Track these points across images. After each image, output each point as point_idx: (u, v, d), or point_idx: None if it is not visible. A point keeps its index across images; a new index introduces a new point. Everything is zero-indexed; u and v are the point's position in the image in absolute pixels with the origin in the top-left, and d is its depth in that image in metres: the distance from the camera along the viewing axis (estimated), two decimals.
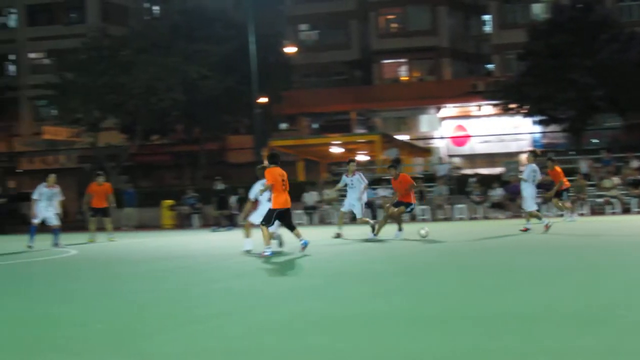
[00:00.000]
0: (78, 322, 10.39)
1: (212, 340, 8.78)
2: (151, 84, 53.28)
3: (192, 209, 45.13)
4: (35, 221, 27.40)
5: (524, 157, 39.95)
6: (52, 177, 28.02)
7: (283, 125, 70.90)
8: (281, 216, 19.37)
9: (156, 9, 76.31)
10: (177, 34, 57.72)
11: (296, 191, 39.21)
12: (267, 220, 19.10)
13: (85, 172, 67.01)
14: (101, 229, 31.62)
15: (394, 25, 71.58)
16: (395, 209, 23.92)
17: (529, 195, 25.94)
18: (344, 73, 73.34)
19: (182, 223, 45.62)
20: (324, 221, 42.71)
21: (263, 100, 54.33)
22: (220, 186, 40.89)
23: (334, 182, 45.67)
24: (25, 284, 15.72)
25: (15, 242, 30.80)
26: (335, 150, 54.95)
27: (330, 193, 39.82)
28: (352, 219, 27.44)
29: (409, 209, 24.75)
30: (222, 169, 60.37)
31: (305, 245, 19.63)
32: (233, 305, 11.38)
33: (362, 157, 55.85)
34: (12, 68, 77.13)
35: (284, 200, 19.11)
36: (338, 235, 25.67)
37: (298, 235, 19.79)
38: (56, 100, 60.17)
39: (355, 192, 25.45)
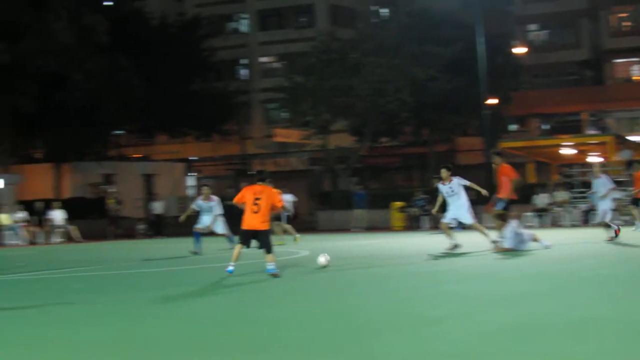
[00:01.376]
0: (305, 321, 10.47)
1: (441, 342, 8.65)
2: (380, 86, 53.58)
3: (422, 210, 45.05)
4: (199, 226, 26.22)
5: None
6: (205, 190, 26.67)
7: (513, 127, 69.91)
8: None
9: (384, 11, 76.75)
10: (405, 35, 57.80)
11: (526, 193, 38.47)
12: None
13: (316, 174, 68.17)
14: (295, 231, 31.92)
15: (627, 23, 69.29)
16: None
17: None
18: (574, 73, 71.64)
19: (412, 225, 45.55)
20: (555, 223, 41.72)
21: (492, 101, 53.68)
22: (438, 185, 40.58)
23: (564, 184, 44.60)
24: (247, 285, 16.05)
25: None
26: (566, 151, 53.69)
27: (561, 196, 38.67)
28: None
29: None
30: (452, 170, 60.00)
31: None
32: (462, 307, 11.21)
33: (594, 159, 54.31)
34: (244, 72, 79.42)
35: None
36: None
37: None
38: (286, 103, 61.46)
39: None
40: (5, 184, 47.91)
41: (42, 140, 60.67)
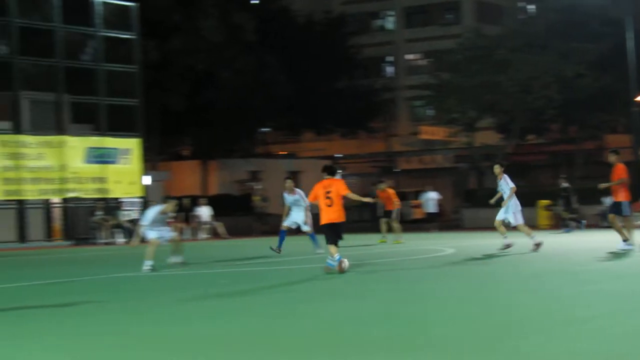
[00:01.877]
0: (451, 320, 10.40)
1: (592, 342, 8.47)
2: (527, 82, 52.88)
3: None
4: (285, 224, 25.24)
5: None
6: (288, 183, 25.14)
7: None
8: None
9: (531, 7, 75.58)
10: (553, 32, 56.82)
11: None
12: None
13: (461, 172, 67.66)
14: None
15: None
16: None
17: None
18: None
19: (558, 223, 44.69)
20: None
21: None
22: (564, 185, 39.79)
23: None
24: (393, 284, 16.04)
25: (390, 241, 31.49)
26: None
27: None
28: None
29: None
30: (599, 168, 58.71)
31: None
32: (611, 307, 10.95)
33: None
34: (389, 70, 79.44)
35: None
36: None
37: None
38: (432, 100, 61.17)
39: None
40: (154, 180, 49.06)
41: (189, 138, 61.92)
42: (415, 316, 10.90)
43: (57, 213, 42.85)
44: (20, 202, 40.10)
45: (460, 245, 26.59)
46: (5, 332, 10.73)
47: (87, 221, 42.40)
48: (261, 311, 12.00)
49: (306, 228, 24.79)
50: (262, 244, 30.07)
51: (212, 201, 47.37)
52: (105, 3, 44.12)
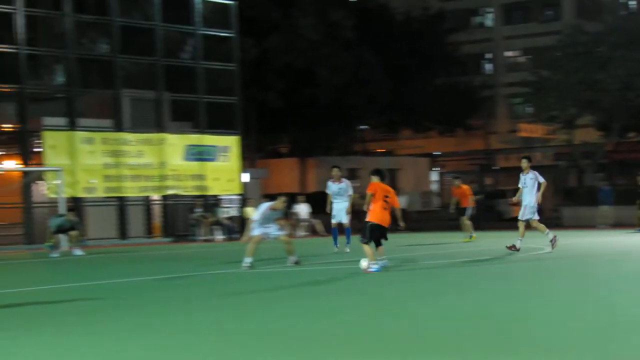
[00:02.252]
0: (553, 320, 10.25)
1: None
2: (627, 79, 51.90)
3: None
4: (333, 221, 25.41)
5: None
6: (334, 171, 24.91)
7: None
8: None
9: (632, 3, 74.21)
10: None
11: None
12: None
13: (561, 169, 66.74)
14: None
15: None
16: None
17: None
18: None
19: None
20: None
21: None
22: None
23: None
24: (490, 282, 15.88)
25: (489, 239, 31.24)
26: None
27: None
28: None
29: None
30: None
31: None
32: None
33: None
34: (488, 67, 78.75)
35: None
36: None
37: None
38: (531, 98, 60.41)
39: None
40: (252, 178, 49.40)
41: (288, 135, 62.21)
42: (515, 315, 10.77)
43: (156, 210, 43.45)
44: (121, 199, 40.77)
45: (560, 244, 26.14)
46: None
47: (186, 218, 42.89)
48: (359, 309, 11.98)
49: (345, 220, 24.87)
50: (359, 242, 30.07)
51: (310, 198, 47.47)
52: (204, 1, 44.58)
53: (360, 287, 15.12)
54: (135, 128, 41.46)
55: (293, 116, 56.21)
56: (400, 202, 19.88)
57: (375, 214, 17.55)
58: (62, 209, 34.18)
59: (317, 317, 11.27)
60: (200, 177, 42.94)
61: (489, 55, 78.40)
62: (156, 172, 41.31)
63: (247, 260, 19.59)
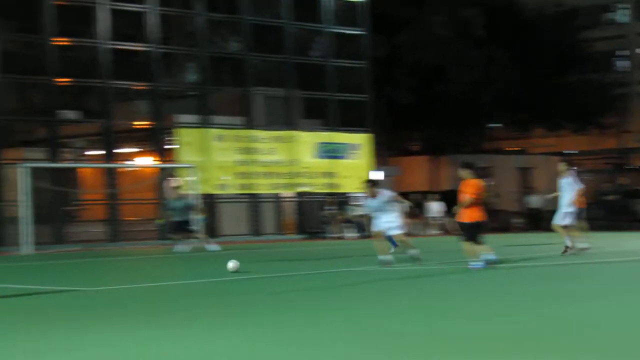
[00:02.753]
0: None
1: None
2: None
3: None
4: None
5: None
6: (561, 166, 22.78)
7: None
8: None
9: None
10: None
11: None
12: None
13: None
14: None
15: None
16: None
17: None
18: None
19: None
20: None
21: None
22: None
23: None
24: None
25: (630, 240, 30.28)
26: None
27: None
28: None
29: None
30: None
31: None
32: None
33: None
34: (621, 64, 76.86)
35: None
36: None
37: None
38: None
39: None
40: (384, 176, 49.08)
41: (419, 133, 61.69)
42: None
43: (287, 207, 43.46)
44: (253, 196, 40.89)
45: None
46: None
47: (317, 215, 42.79)
48: (497, 311, 11.45)
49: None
50: (492, 241, 29.43)
51: (442, 197, 46.92)
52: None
53: (506, 287, 14.59)
54: (267, 125, 41.58)
55: (424, 113, 55.68)
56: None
57: (479, 212, 17.19)
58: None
59: (471, 318, 10.80)
60: (331, 174, 42.77)
61: (622, 52, 76.49)
62: (287, 169, 41.30)
63: (385, 258, 19.13)
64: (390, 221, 19.16)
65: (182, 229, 28.83)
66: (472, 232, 17.14)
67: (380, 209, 19.18)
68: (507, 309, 10.84)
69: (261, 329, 9.31)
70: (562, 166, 22.26)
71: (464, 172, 17.36)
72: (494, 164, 61.14)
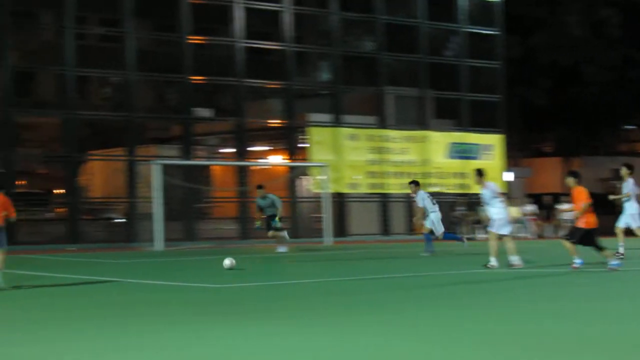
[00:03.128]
0: None
1: None
2: None
3: None
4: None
5: None
6: (623, 170, 22.05)
7: None
8: None
9: None
10: None
11: None
12: None
13: None
14: None
15: None
16: None
17: None
18: None
19: None
20: None
21: None
22: None
23: None
24: None
25: None
26: None
27: None
28: None
29: None
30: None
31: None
32: None
33: None
34: None
35: None
36: None
37: None
38: None
39: None
40: (516, 177, 48.43)
41: (551, 134, 60.73)
42: None
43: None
44: (383, 196, 40.80)
45: None
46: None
47: (448, 216, 42.44)
48: (608, 314, 11.10)
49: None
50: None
51: None
52: None
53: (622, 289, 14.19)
54: (399, 125, 41.47)
55: (557, 115, 54.77)
56: None
57: (592, 218, 17.40)
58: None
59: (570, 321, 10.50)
60: (463, 175, 42.37)
61: None
62: (419, 169, 41.08)
63: (513, 260, 18.78)
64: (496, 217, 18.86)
65: (269, 227, 28.26)
66: (585, 237, 17.26)
67: (488, 202, 18.97)
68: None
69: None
70: (623, 170, 21.90)
71: (570, 180, 17.58)
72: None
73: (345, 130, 39.49)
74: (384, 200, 40.95)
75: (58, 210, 38.73)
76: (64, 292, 15.07)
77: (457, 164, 42.35)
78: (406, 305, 12.13)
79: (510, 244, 18.86)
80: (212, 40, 39.17)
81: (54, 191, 40.40)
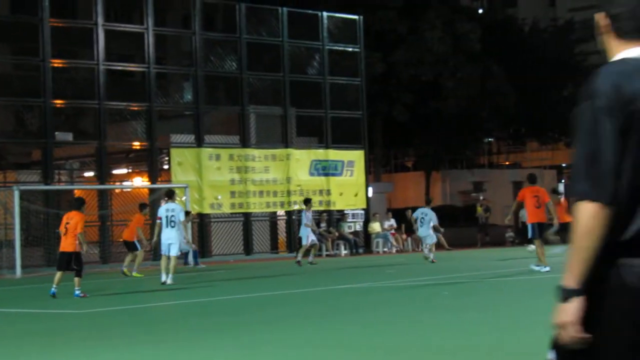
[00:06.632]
0: None
1: None
2: None
3: None
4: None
5: None
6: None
7: None
8: None
9: None
10: None
11: None
12: None
13: None
14: None
15: None
16: None
17: None
18: None
19: None
20: None
21: None
22: None
23: None
24: None
25: None
26: None
27: None
28: None
29: None
30: None
31: None
32: None
33: None
34: None
35: None
36: None
37: None
38: None
39: None
40: (376, 192, 49.28)
41: (413, 149, 61.93)
42: None
43: (281, 225, 43.62)
44: (246, 215, 41.02)
45: None
46: None
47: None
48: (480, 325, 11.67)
49: None
50: (485, 256, 29.53)
51: (436, 212, 47.03)
52: (331, 17, 44.75)
53: (483, 299, 14.75)
54: (261, 144, 41.78)
55: (419, 129, 55.93)
56: (525, 216, 20.99)
57: (532, 215, 21.20)
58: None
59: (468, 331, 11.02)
60: (326, 192, 43.01)
61: None
62: (282, 187, 41.53)
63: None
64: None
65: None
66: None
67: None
68: None
69: None
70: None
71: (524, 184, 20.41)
72: (488, 179, 61.48)
73: (207, 151, 39.59)
74: (246, 220, 41.13)
75: None
76: None
77: (320, 181, 42.94)
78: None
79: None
80: (73, 63, 38.91)
81: None
